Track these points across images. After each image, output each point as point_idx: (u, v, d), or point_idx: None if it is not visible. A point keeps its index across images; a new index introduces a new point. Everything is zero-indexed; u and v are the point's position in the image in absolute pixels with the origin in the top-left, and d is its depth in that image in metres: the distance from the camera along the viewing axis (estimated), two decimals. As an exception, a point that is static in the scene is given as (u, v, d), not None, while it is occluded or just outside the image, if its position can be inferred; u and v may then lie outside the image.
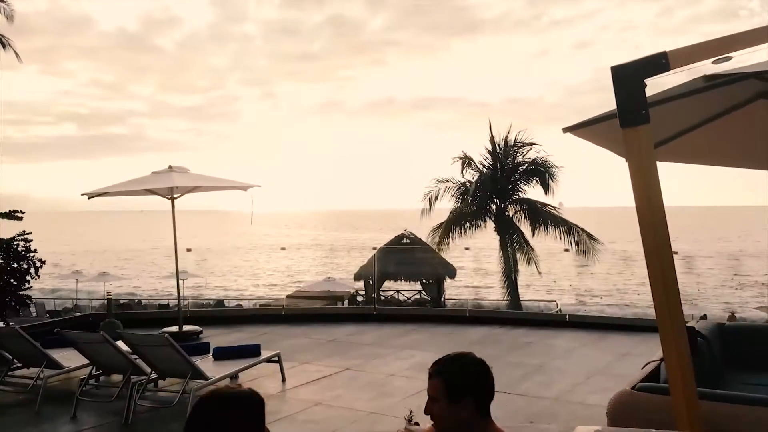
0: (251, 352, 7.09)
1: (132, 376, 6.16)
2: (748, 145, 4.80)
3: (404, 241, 30.98)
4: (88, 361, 6.65)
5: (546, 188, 21.33)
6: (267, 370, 7.37)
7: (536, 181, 21.79)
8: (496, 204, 22.41)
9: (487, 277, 62.25)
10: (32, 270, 12.02)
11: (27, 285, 12.09)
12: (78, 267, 54.29)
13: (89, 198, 9.94)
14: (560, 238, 21.35)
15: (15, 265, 11.96)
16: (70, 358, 6.84)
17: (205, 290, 42.52)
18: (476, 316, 11.04)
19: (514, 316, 10.91)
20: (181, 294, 10.83)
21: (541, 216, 21.29)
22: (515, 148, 22.40)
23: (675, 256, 2.96)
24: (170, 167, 9.76)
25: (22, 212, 12.54)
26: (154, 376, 6.31)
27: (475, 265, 63.21)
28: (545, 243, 22.19)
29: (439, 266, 27.60)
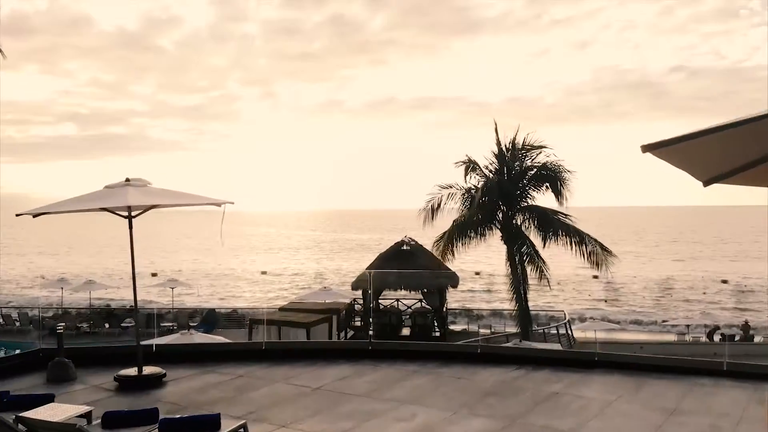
0: (208, 425, 5.54)
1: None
2: None
3: (404, 248, 29.43)
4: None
5: (558, 195, 19.74)
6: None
7: (546, 187, 20.20)
8: (502, 211, 20.83)
9: (491, 280, 60.77)
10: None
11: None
12: (68, 271, 52.95)
13: (34, 216, 8.42)
14: (572, 249, 19.77)
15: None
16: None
17: (196, 298, 40.97)
18: (489, 354, 9.46)
19: (533, 354, 9.35)
20: (156, 307, 9.30)
21: (553, 225, 19.69)
22: (523, 152, 20.80)
23: None
24: (127, 180, 8.22)
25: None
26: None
27: (484, 285, 61.61)
28: (551, 249, 20.63)
29: (441, 275, 26.05)
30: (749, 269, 76.02)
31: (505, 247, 20.68)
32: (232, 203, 8.25)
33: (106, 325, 30.39)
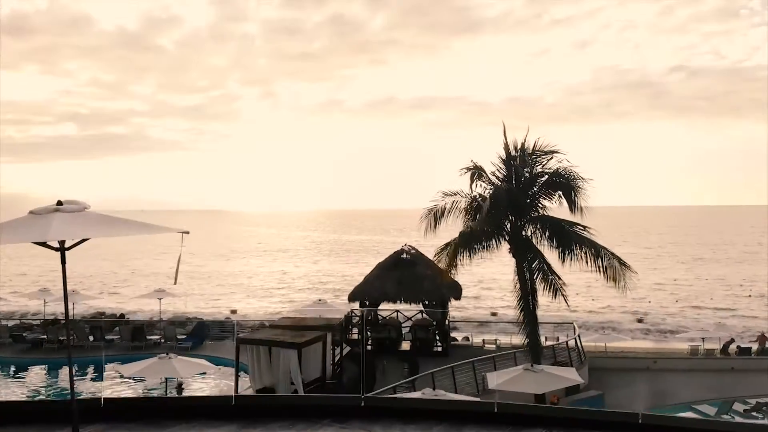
0: None
1: None
2: None
3: (404, 256, 27.83)
4: None
5: (572, 205, 18.09)
6: None
7: (559, 195, 18.57)
8: (511, 222, 19.18)
9: (494, 285, 59.11)
10: None
11: None
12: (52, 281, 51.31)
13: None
14: (587, 263, 18.11)
15: None
16: None
17: (184, 309, 39.31)
18: (509, 414, 7.76)
19: (564, 415, 7.65)
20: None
21: (570, 238, 17.98)
22: (534, 157, 19.15)
23: None
24: (59, 204, 6.59)
25: None
26: None
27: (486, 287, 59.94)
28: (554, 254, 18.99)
29: (443, 286, 24.44)
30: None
31: (513, 260, 19.08)
32: (187, 233, 6.62)
33: (91, 338, 28.85)
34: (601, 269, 18.12)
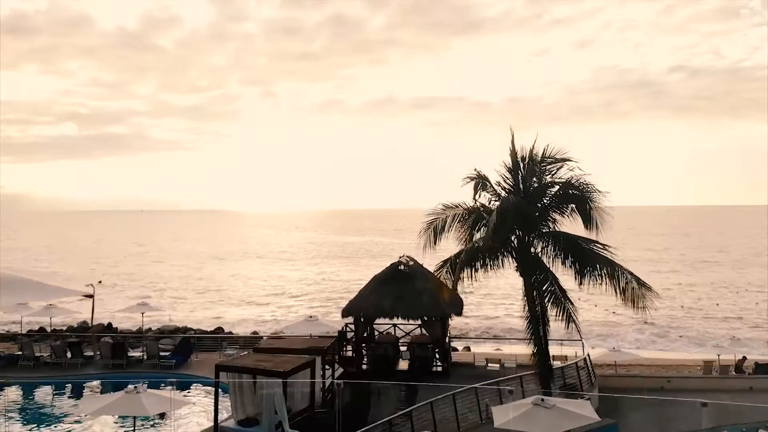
0: None
1: None
2: None
3: (401, 268, 26.00)
4: None
5: (586, 221, 16.29)
6: None
7: (572, 209, 16.79)
8: (518, 237, 17.40)
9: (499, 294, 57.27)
10: None
11: None
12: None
13: None
14: (603, 284, 16.35)
15: None
16: None
17: (169, 321, 37.44)
18: None
19: None
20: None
21: (587, 258, 16.15)
22: (543, 165, 17.35)
23: None
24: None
25: None
26: None
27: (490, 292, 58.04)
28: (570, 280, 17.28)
29: (443, 301, 22.67)
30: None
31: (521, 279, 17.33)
32: (98, 283, 4.91)
33: (68, 355, 27.11)
34: (618, 291, 16.36)
